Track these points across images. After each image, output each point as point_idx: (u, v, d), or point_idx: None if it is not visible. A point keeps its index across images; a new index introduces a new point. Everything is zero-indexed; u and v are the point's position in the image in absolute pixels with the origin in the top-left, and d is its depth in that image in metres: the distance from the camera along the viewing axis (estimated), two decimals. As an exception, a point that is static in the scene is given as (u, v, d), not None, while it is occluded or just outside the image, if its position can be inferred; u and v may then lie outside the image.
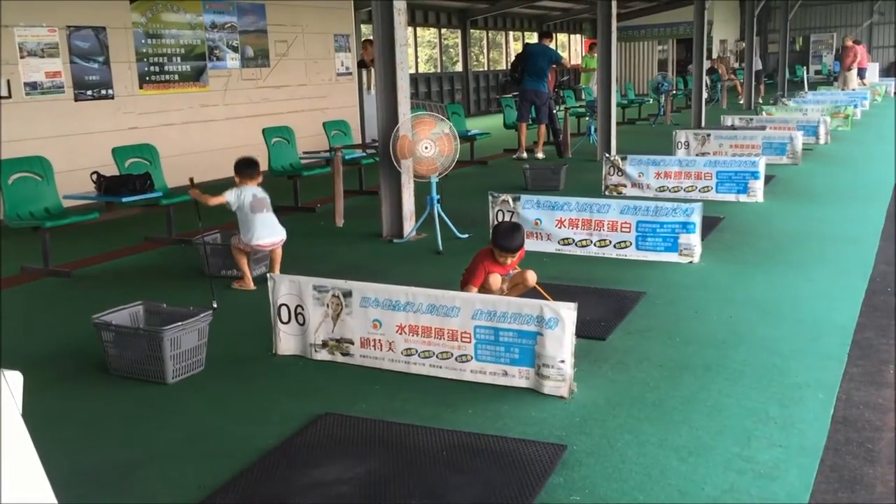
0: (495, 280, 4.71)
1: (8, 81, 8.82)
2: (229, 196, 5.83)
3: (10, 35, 8.86)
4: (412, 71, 21.40)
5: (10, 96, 8.84)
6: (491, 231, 4.72)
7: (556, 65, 12.60)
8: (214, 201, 5.80)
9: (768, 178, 9.20)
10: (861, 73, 23.87)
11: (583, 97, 17.29)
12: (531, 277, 4.87)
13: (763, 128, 12.84)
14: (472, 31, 24.52)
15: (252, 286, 5.90)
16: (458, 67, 24.60)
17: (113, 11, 10.05)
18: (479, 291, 4.61)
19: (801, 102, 17.84)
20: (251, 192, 5.86)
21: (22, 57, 8.99)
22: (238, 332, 4.93)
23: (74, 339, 4.90)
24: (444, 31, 24.20)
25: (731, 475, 3.09)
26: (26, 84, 9.03)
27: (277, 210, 6.19)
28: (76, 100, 9.59)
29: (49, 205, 6.77)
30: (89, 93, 9.75)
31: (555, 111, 13.20)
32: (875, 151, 12.43)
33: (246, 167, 5.93)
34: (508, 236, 4.74)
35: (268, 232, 5.88)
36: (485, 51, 26.49)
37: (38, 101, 9.13)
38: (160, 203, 7.22)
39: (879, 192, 8.92)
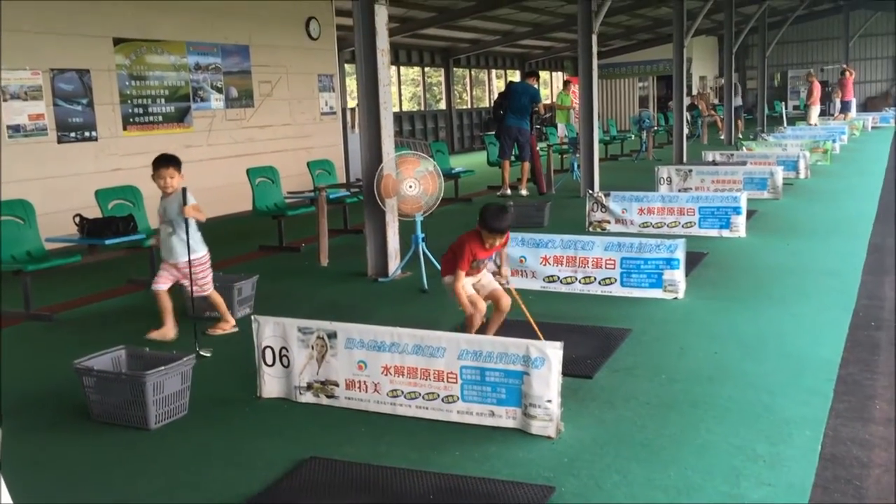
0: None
1: (-10, 124, 8.81)
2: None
3: (-7, 78, 8.87)
4: (396, 109, 21.57)
5: (-8, 139, 8.83)
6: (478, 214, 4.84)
7: (534, 104, 12.71)
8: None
9: (750, 213, 9.28)
10: (846, 107, 24.22)
11: (565, 134, 17.45)
12: (505, 304, 4.96)
13: (744, 163, 12.97)
14: (455, 69, 24.79)
15: (233, 325, 5.80)
16: (442, 105, 24.81)
17: (97, 53, 10.08)
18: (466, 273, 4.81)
19: (780, 137, 18.07)
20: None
21: (5, 100, 8.97)
22: (222, 374, 4.88)
23: (55, 384, 4.83)
24: (427, 69, 24.44)
25: (720, 515, 3.07)
26: (9, 127, 9.01)
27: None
28: (59, 142, 9.57)
29: (31, 248, 6.72)
30: (73, 135, 9.74)
31: (537, 148, 13.30)
32: (855, 185, 12.57)
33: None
34: (497, 217, 4.76)
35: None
36: (468, 88, 26.75)
37: (20, 143, 9.10)
38: (143, 245, 7.19)
39: (860, 226, 9.01)
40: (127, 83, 10.52)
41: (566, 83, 19.51)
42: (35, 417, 4.37)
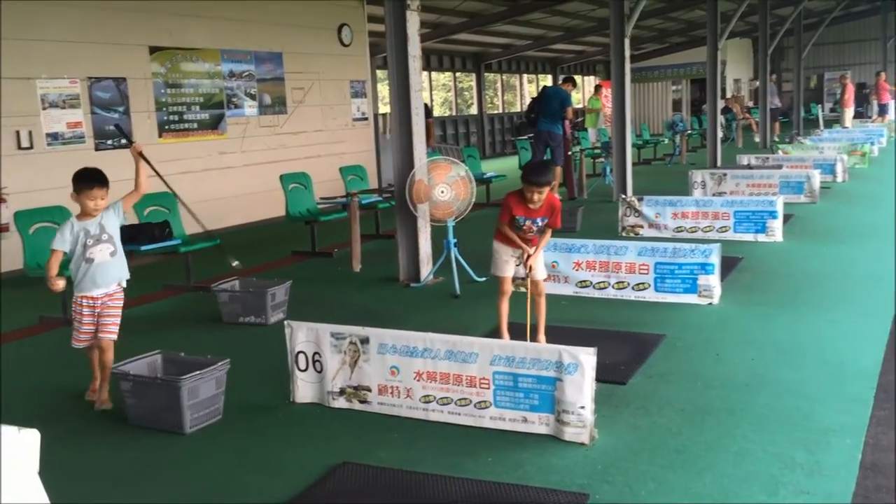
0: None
1: (30, 132, 8.96)
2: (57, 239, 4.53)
3: (33, 87, 9.02)
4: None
5: (31, 147, 8.98)
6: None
7: (564, 108, 12.62)
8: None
9: (787, 218, 9.15)
10: (883, 110, 23.82)
11: (597, 138, 17.36)
12: (540, 288, 5.17)
13: (780, 166, 12.79)
14: (486, 74, 24.78)
15: (108, 403, 4.57)
16: (473, 110, 24.81)
17: (133, 62, 10.23)
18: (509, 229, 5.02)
19: (816, 140, 17.80)
20: (84, 226, 4.53)
21: (44, 108, 9.13)
22: (255, 380, 4.91)
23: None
24: (458, 74, 24.47)
25: (758, 525, 3.02)
26: (48, 135, 9.16)
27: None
28: (97, 149, 9.72)
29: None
30: (109, 142, 9.88)
31: (570, 153, 13.24)
32: (894, 189, 12.33)
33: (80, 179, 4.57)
34: (537, 170, 4.92)
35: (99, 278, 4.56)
36: (499, 93, 26.72)
37: (59, 151, 9.25)
38: (178, 251, 7.26)
39: (900, 229, 8.83)
40: (162, 91, 10.65)
41: (597, 87, 19.41)
42: (73, 421, 4.43)
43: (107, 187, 4.55)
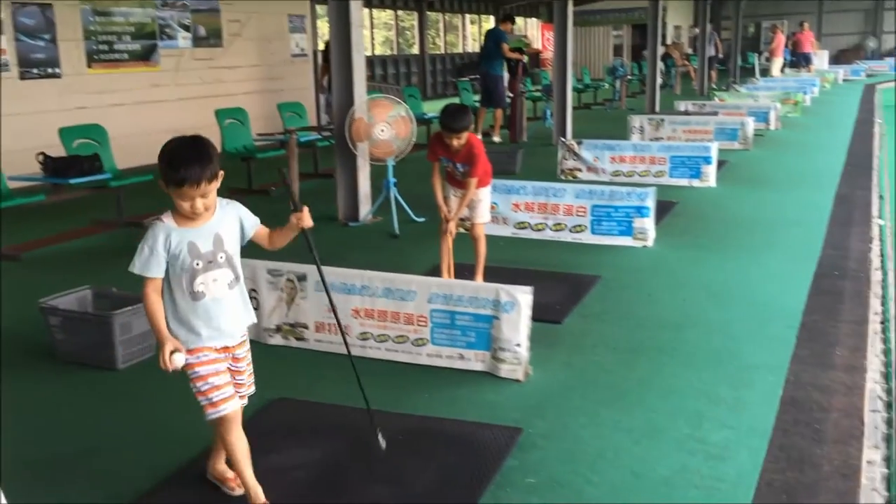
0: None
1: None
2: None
3: (-49, 10, 8.57)
4: (368, 53, 21.23)
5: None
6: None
7: (499, 45, 12.45)
8: None
9: (721, 164, 9.33)
10: (807, 59, 24.30)
11: (539, 81, 17.30)
12: (477, 233, 5.12)
13: (715, 113, 13.00)
14: (429, 13, 24.39)
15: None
16: (415, 50, 24.46)
17: (59, -13, 9.78)
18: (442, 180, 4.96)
19: (752, 89, 18.10)
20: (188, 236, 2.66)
21: (-37, 33, 8.70)
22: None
23: (21, 324, 4.77)
24: (400, 13, 24.04)
25: (682, 456, 3.13)
26: (-32, 61, 8.75)
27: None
28: (22, 78, 9.31)
29: (-7, 186, 6.57)
30: (35, 71, 9.48)
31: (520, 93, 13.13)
32: (824, 138, 12.66)
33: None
34: (450, 115, 4.76)
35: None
36: (441, 34, 26.36)
37: (-20, 79, 8.85)
38: (109, 185, 7.06)
39: (828, 177, 9.10)
40: (91, 18, 10.21)
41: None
42: None
43: (215, 176, 2.62)
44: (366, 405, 3.09)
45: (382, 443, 3.04)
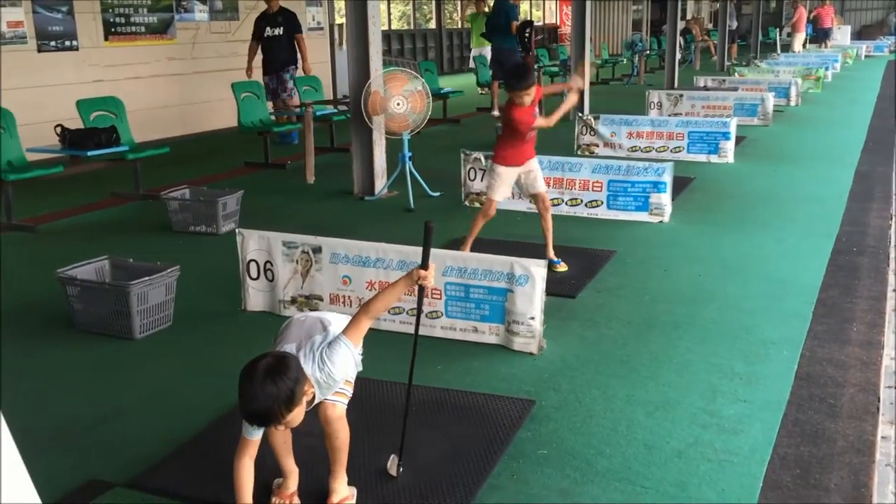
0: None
1: (-33, 31, 8.57)
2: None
3: (-31, -18, 8.58)
4: (384, 27, 21.12)
5: (-31, 46, 8.60)
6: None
7: (509, 21, 12.24)
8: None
9: (739, 139, 9.24)
10: (827, 34, 23.94)
11: (557, 56, 17.14)
12: (547, 202, 5.27)
13: (735, 89, 12.84)
14: (446, -14, 24.19)
15: None
16: (432, 24, 24.29)
17: (76, -41, 9.76)
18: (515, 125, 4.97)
19: (773, 64, 17.86)
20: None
21: (-19, 5, 8.72)
22: (207, 287, 4.88)
23: (39, 294, 4.82)
24: (417, -14, 23.84)
25: (695, 429, 3.13)
26: (-13, 34, 8.77)
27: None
28: (39, 51, 9.33)
29: (12, 158, 6.62)
30: (53, 44, 9.49)
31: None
32: (845, 114, 12.51)
33: None
34: (519, 77, 4.95)
35: None
36: (459, 8, 26.16)
37: (-1, 51, 8.88)
38: (126, 157, 7.09)
39: (848, 153, 8.99)
40: (108, -9, 10.21)
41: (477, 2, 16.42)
42: (19, 326, 4.37)
43: (296, 404, 2.37)
44: (408, 383, 2.98)
45: (397, 471, 2.90)
